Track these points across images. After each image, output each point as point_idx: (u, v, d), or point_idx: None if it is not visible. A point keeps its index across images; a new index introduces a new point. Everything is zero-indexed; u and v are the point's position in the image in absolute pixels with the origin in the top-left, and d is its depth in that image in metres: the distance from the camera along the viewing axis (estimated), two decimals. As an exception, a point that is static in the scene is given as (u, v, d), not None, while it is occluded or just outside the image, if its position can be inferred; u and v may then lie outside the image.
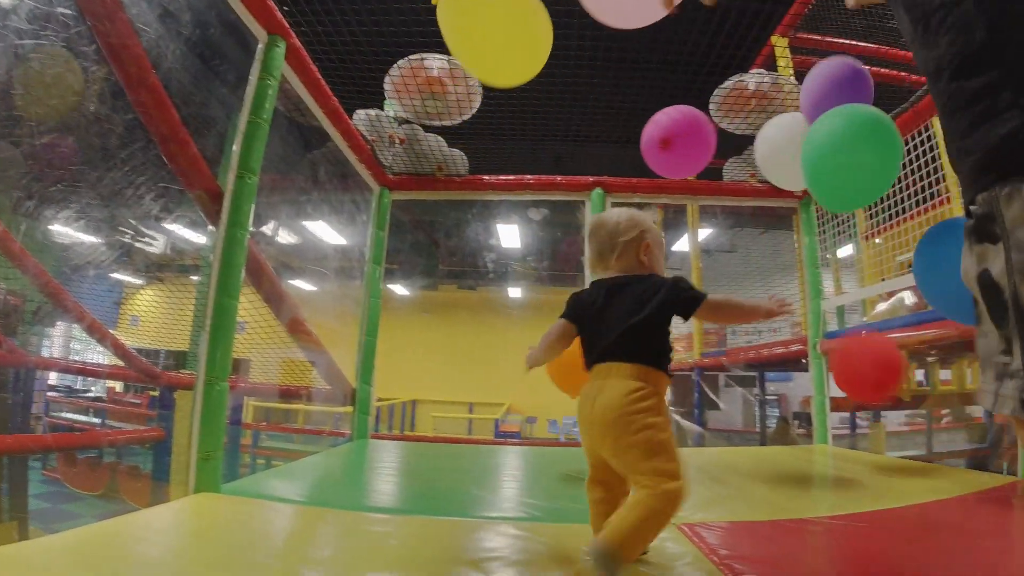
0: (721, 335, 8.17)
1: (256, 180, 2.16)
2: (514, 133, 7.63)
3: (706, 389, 7.28)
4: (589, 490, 1.37)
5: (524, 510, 1.88)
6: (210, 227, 2.20)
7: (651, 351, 1.30)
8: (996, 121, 0.94)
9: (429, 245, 12.04)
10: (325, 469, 2.63)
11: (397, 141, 3.62)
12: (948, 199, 3.33)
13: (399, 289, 13.39)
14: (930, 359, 4.41)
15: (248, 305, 3.16)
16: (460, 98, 3.40)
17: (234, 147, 2.16)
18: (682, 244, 8.22)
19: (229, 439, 4.54)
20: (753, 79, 3.58)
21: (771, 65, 4.20)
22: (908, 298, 3.68)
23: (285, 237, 8.70)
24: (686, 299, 1.33)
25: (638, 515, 1.16)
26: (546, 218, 10.69)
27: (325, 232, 8.58)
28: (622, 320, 1.31)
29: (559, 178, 4.01)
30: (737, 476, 2.52)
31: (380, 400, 11.94)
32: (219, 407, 1.94)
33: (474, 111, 3.51)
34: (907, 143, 3.32)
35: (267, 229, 7.38)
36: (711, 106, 3.64)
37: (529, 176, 4.00)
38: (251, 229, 2.15)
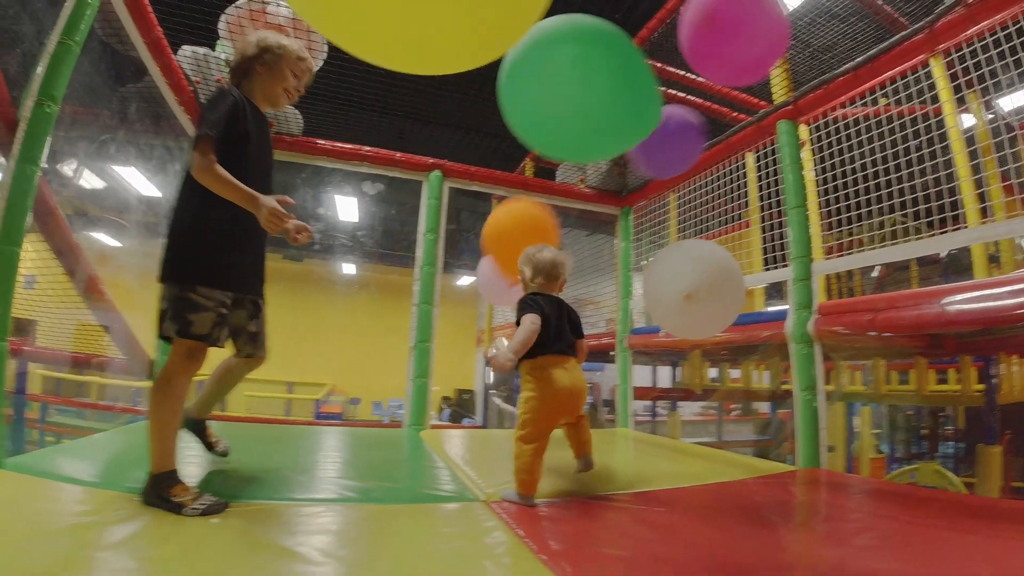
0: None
1: (57, 110, 1.90)
2: (359, 102, 7.26)
3: (527, 376, 7.65)
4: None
5: (338, 491, 1.84)
6: (-1, 159, 1.90)
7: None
8: None
9: (250, 207, 10.98)
10: (118, 448, 2.34)
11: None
12: (748, 223, 3.78)
13: (214, 254, 12.10)
14: (721, 359, 5.10)
15: (37, 257, 2.68)
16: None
17: (38, 70, 1.88)
18: (516, 237, 8.51)
19: (14, 410, 3.85)
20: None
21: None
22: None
23: (83, 180, 7.38)
24: None
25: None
26: (381, 194, 10.32)
27: (131, 179, 7.46)
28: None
29: (398, 155, 3.90)
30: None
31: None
32: (-2, 368, 1.72)
33: (314, 70, 3.30)
34: (719, 171, 3.77)
35: (64, 168, 6.24)
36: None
37: (367, 148, 3.84)
38: (44, 166, 1.90)
